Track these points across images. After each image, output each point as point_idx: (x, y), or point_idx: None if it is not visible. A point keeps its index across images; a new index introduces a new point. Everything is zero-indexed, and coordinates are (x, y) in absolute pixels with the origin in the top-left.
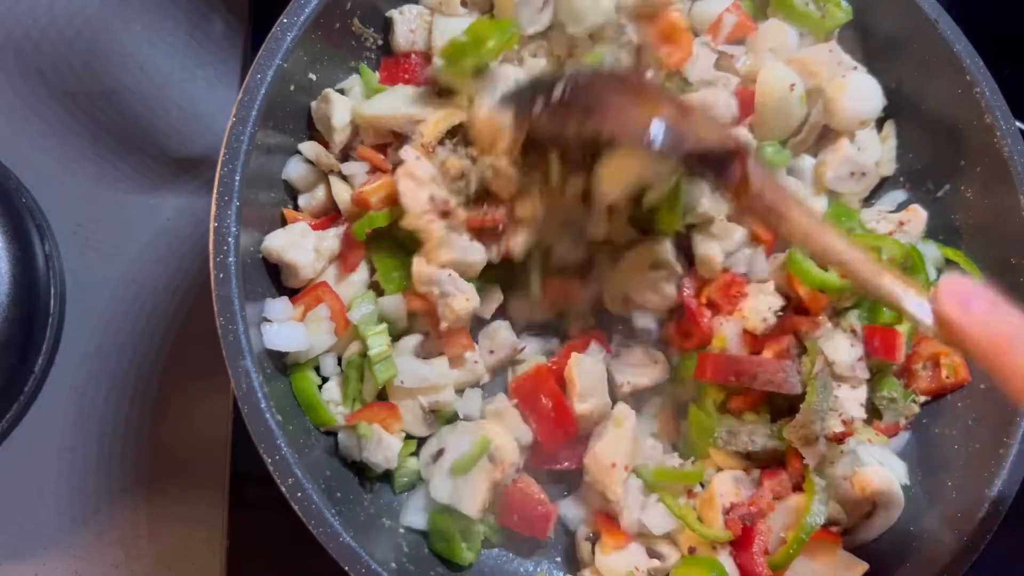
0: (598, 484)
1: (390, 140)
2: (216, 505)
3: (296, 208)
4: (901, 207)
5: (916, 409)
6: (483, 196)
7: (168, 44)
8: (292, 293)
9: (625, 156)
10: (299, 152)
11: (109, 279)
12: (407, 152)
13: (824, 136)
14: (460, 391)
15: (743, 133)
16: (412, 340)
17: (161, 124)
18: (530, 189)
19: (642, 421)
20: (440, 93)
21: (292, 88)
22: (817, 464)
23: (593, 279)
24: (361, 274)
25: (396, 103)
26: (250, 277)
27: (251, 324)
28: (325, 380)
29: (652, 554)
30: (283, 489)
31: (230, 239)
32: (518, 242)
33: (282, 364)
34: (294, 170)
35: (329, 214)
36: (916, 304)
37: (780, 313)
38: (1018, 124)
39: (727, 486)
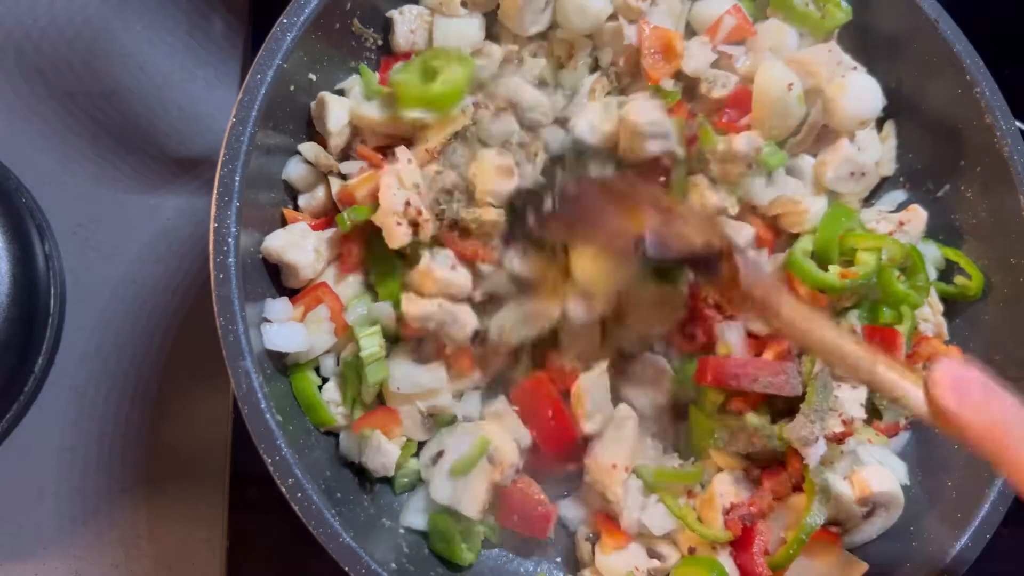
0: (598, 485)
1: (392, 143)
2: (216, 505)
3: (296, 208)
4: (901, 207)
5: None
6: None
7: (168, 44)
8: (292, 293)
9: (599, 260)
10: (299, 152)
11: (109, 279)
12: (402, 152)
13: (824, 136)
14: (458, 396)
15: (730, 230)
16: (410, 342)
17: (161, 124)
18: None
19: (642, 421)
20: None
21: (292, 88)
22: (817, 465)
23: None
24: (359, 275)
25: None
26: (250, 277)
27: (251, 324)
28: (325, 380)
29: (652, 554)
30: (283, 489)
31: (230, 239)
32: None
33: (282, 364)
34: (294, 170)
35: (329, 214)
36: (912, 394)
37: None
38: (1018, 124)
39: (727, 486)
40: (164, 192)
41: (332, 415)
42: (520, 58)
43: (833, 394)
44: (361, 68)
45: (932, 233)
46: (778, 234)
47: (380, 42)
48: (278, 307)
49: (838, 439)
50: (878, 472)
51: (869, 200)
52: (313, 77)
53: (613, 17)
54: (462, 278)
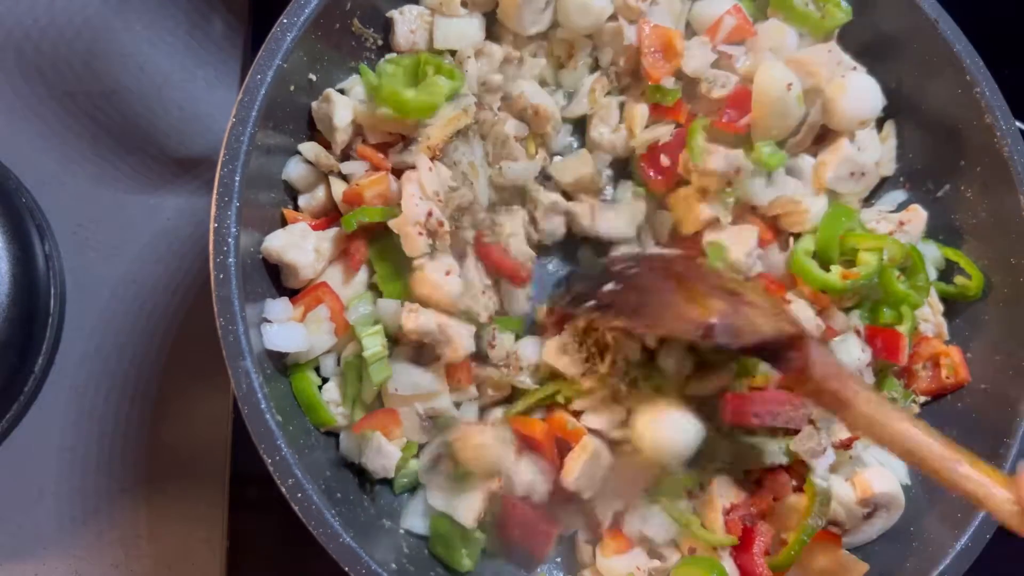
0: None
1: (392, 140)
2: (216, 505)
3: (296, 208)
4: (901, 207)
5: (916, 409)
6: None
7: (168, 44)
8: (292, 294)
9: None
10: (299, 152)
11: (109, 279)
12: (421, 160)
13: (824, 136)
14: (457, 404)
15: (802, 318)
16: (410, 344)
17: (161, 124)
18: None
19: None
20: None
21: (292, 88)
22: (825, 473)
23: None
24: (361, 275)
25: None
26: (250, 277)
27: (251, 324)
28: (325, 380)
29: (652, 554)
30: (283, 489)
31: (230, 239)
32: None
33: (282, 364)
34: (294, 170)
35: (329, 214)
36: (997, 497)
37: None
38: (1018, 124)
39: (727, 487)
40: (164, 192)
41: (332, 415)
42: (520, 58)
43: None
44: (361, 68)
45: (932, 233)
46: (778, 234)
47: (380, 42)
48: (278, 307)
49: (844, 445)
50: (879, 473)
51: (869, 200)
52: (313, 77)
53: (613, 17)
54: (451, 286)
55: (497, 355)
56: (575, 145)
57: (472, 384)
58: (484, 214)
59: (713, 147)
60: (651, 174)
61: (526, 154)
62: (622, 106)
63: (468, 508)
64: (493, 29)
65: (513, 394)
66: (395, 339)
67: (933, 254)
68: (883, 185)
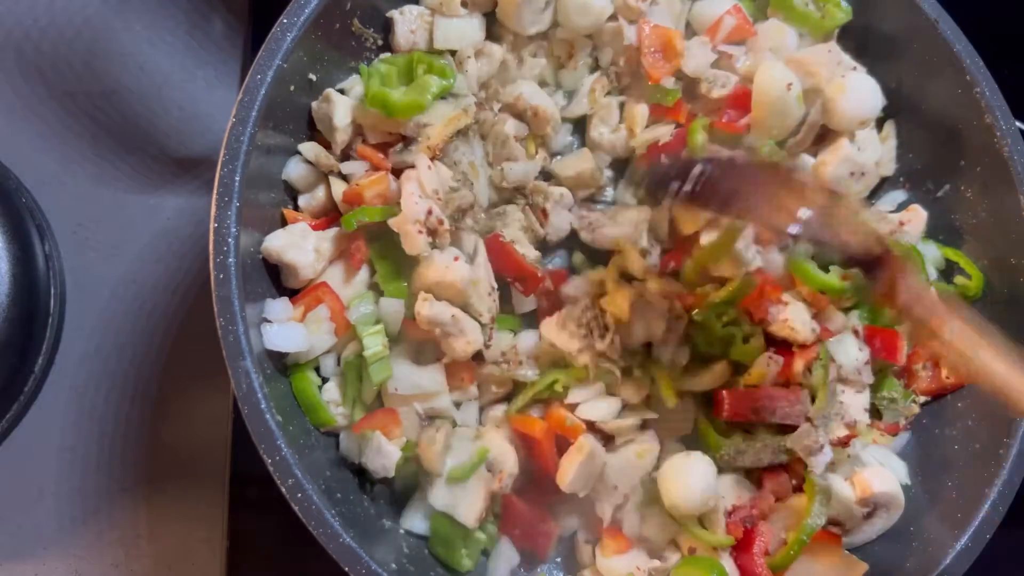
0: (593, 493)
1: (392, 140)
2: (216, 505)
3: (296, 208)
4: (901, 207)
5: (916, 409)
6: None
7: (168, 44)
8: (292, 294)
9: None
10: (299, 152)
11: (109, 279)
12: (421, 159)
13: (824, 136)
14: (457, 404)
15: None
16: (410, 344)
17: (161, 124)
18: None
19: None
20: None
21: (292, 88)
22: (823, 471)
23: None
24: (362, 274)
25: None
26: (250, 278)
27: (251, 325)
28: (325, 380)
29: (653, 554)
30: (283, 490)
31: (230, 239)
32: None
33: (282, 364)
34: (294, 170)
35: (329, 215)
36: None
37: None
38: (1018, 124)
39: (728, 488)
40: (164, 192)
41: (332, 415)
42: (520, 58)
43: (838, 399)
44: (361, 68)
45: (932, 233)
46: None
47: (380, 42)
48: (278, 307)
49: (843, 443)
50: (879, 473)
51: (869, 200)
52: (313, 77)
53: (613, 17)
54: (459, 269)
55: (493, 354)
56: (575, 145)
57: (474, 383)
58: (483, 215)
59: (713, 147)
60: None
61: (526, 154)
62: (622, 106)
63: (469, 507)
64: (493, 29)
65: (513, 391)
66: (395, 339)
67: (933, 254)
68: (883, 185)
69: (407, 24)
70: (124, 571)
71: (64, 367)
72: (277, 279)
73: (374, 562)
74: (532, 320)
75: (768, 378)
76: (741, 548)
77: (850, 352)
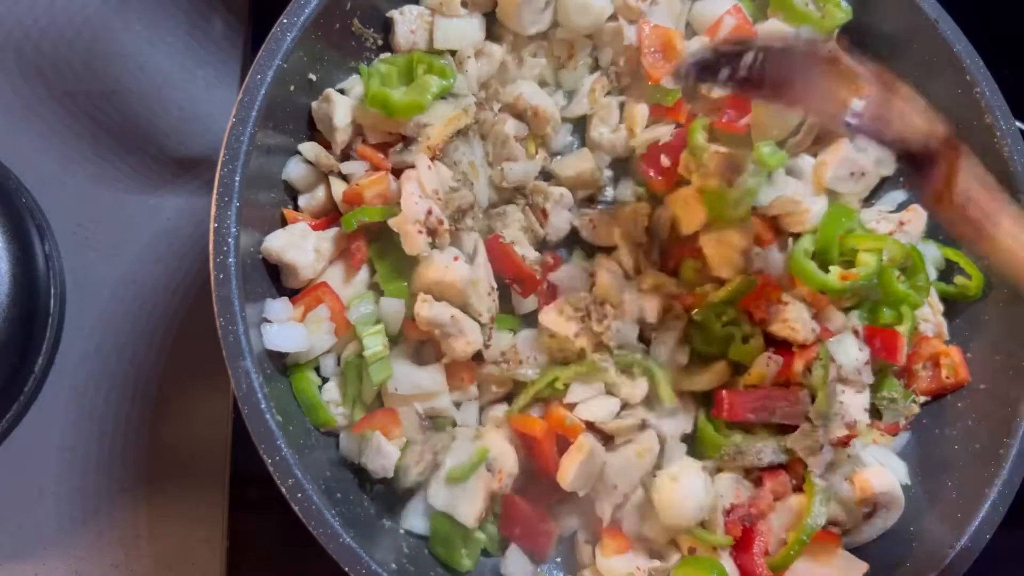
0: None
1: (392, 140)
2: (216, 505)
3: (296, 208)
4: (901, 207)
5: (916, 409)
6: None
7: (168, 44)
8: (292, 294)
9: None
10: (299, 152)
11: (109, 279)
12: (420, 159)
13: (824, 136)
14: (457, 404)
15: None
16: (410, 343)
17: (161, 124)
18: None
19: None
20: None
21: (292, 88)
22: (823, 471)
23: None
24: (362, 274)
25: None
26: (250, 278)
27: (251, 325)
28: (325, 380)
29: (653, 554)
30: (283, 489)
31: (230, 239)
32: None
33: (282, 364)
34: (294, 170)
35: (329, 215)
36: None
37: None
38: (1018, 124)
39: (727, 487)
40: (164, 192)
41: (332, 415)
42: (520, 58)
43: (839, 399)
44: (361, 68)
45: (932, 233)
46: (778, 234)
47: (380, 42)
48: (278, 307)
49: (843, 443)
50: (879, 472)
51: (869, 200)
52: (313, 77)
53: (613, 17)
54: (459, 268)
55: (493, 354)
56: (575, 145)
57: (474, 383)
58: (483, 215)
59: (713, 147)
60: (651, 174)
61: (526, 154)
62: (622, 106)
63: (469, 507)
64: (493, 29)
65: (513, 391)
66: (395, 338)
67: (933, 254)
68: (883, 185)
69: (407, 24)
70: (124, 571)
71: (64, 367)
72: (277, 279)
73: (374, 562)
74: (532, 320)
75: (768, 378)
76: (741, 548)
77: (850, 352)
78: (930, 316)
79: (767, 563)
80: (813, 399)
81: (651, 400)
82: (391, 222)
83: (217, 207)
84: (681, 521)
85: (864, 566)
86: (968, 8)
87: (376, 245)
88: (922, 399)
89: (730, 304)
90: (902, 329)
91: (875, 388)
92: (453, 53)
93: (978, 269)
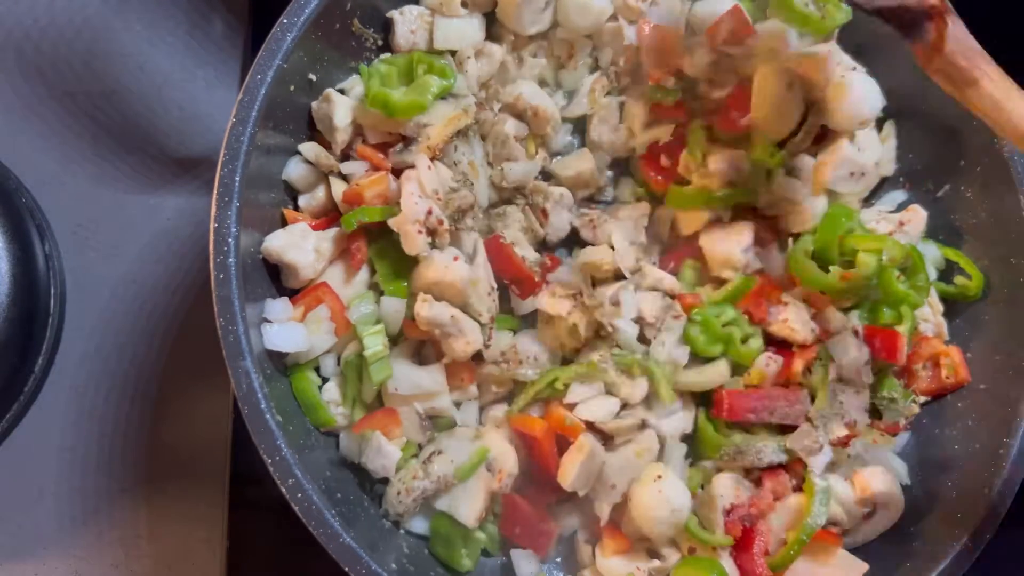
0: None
1: (392, 140)
2: (216, 505)
3: (296, 208)
4: (901, 207)
5: (916, 409)
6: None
7: (168, 44)
8: (292, 294)
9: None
10: (299, 153)
11: (109, 279)
12: (420, 159)
13: (824, 136)
14: (457, 404)
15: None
16: (410, 343)
17: (161, 124)
18: None
19: None
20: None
21: (292, 88)
22: (823, 471)
23: None
24: (362, 274)
25: None
26: (250, 278)
27: (251, 325)
28: (325, 380)
29: (652, 554)
30: (283, 489)
31: (230, 239)
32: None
33: (282, 364)
34: (294, 170)
35: (329, 215)
36: None
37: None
38: None
39: (727, 487)
40: (164, 192)
41: (332, 415)
42: (520, 58)
43: (839, 399)
44: (361, 68)
45: (932, 233)
46: (778, 234)
47: (380, 42)
48: (278, 307)
49: (842, 443)
50: (878, 472)
51: (869, 200)
52: (313, 77)
53: (613, 17)
54: (459, 268)
55: (493, 354)
56: (575, 145)
57: (474, 383)
58: (483, 215)
59: (713, 147)
60: (651, 174)
61: (526, 154)
62: (622, 106)
63: (469, 508)
64: (493, 29)
65: (513, 391)
66: (395, 338)
67: (933, 254)
68: (883, 185)
69: (407, 24)
70: (124, 571)
71: (64, 367)
72: (277, 279)
73: (374, 562)
74: (531, 321)
75: (768, 378)
76: (741, 548)
77: (850, 352)
78: (930, 316)
79: (767, 563)
80: (813, 399)
81: (651, 400)
82: (391, 222)
83: (217, 207)
84: (646, 524)
85: (864, 566)
86: (968, 8)
87: (376, 245)
88: (922, 399)
89: (730, 304)
90: (902, 329)
91: (875, 388)
92: (453, 53)
93: (978, 269)
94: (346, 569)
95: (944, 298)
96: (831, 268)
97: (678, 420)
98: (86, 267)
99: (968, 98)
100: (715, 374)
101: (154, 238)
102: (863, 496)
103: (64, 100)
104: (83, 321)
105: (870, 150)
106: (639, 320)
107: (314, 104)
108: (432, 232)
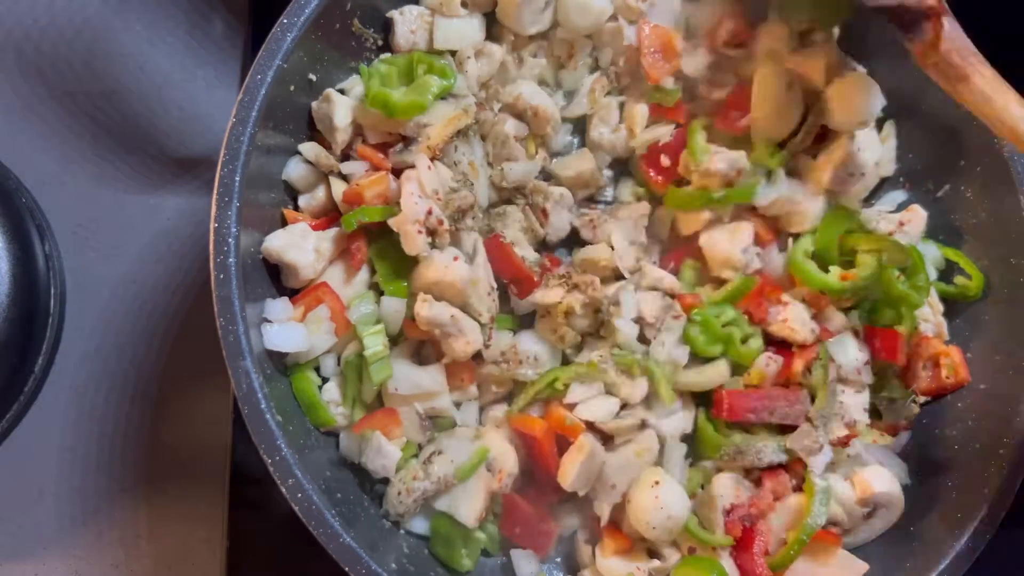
0: (591, 493)
1: (392, 140)
2: (216, 505)
3: (296, 208)
4: (901, 207)
5: (916, 410)
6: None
7: (168, 44)
8: (292, 294)
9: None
10: (299, 153)
11: (109, 279)
12: (421, 160)
13: (824, 136)
14: (457, 404)
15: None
16: (410, 343)
17: (161, 124)
18: None
19: None
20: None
21: (292, 88)
22: (822, 471)
23: None
24: (362, 274)
25: None
26: (250, 278)
27: (251, 325)
28: (325, 380)
29: (652, 554)
30: (283, 489)
31: (230, 239)
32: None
33: (282, 364)
34: (294, 170)
35: (329, 215)
36: None
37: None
38: None
39: (727, 487)
40: (164, 192)
41: (332, 415)
42: (520, 58)
43: (839, 399)
44: (361, 68)
45: (932, 233)
46: (778, 234)
47: (380, 42)
48: (278, 307)
49: (842, 443)
50: (879, 472)
51: (869, 200)
52: (313, 77)
53: (613, 17)
54: (459, 268)
55: (492, 354)
56: (575, 145)
57: (474, 383)
58: (483, 215)
59: (713, 147)
60: (651, 174)
61: (526, 154)
62: (622, 106)
63: (469, 508)
64: (493, 29)
65: (513, 391)
66: (395, 338)
67: (933, 254)
68: (883, 185)
69: (407, 24)
70: (124, 571)
71: (64, 367)
72: (277, 279)
73: (374, 562)
74: (531, 321)
75: (768, 378)
76: (741, 548)
77: (850, 352)
78: (930, 316)
79: (767, 563)
80: (813, 399)
81: (651, 400)
82: (391, 222)
83: (217, 207)
84: (643, 528)
85: (864, 566)
86: (968, 8)
87: (376, 245)
88: (922, 399)
89: (730, 304)
90: (902, 329)
91: (875, 388)
92: (453, 53)
93: (978, 269)
94: (346, 569)
95: (944, 298)
96: (831, 268)
97: (678, 420)
98: (86, 267)
99: (960, 93)
100: (715, 374)
101: (154, 238)
102: (863, 496)
103: (64, 100)
104: (83, 321)
105: (870, 150)
106: (639, 320)
107: (314, 104)
108: (432, 232)
